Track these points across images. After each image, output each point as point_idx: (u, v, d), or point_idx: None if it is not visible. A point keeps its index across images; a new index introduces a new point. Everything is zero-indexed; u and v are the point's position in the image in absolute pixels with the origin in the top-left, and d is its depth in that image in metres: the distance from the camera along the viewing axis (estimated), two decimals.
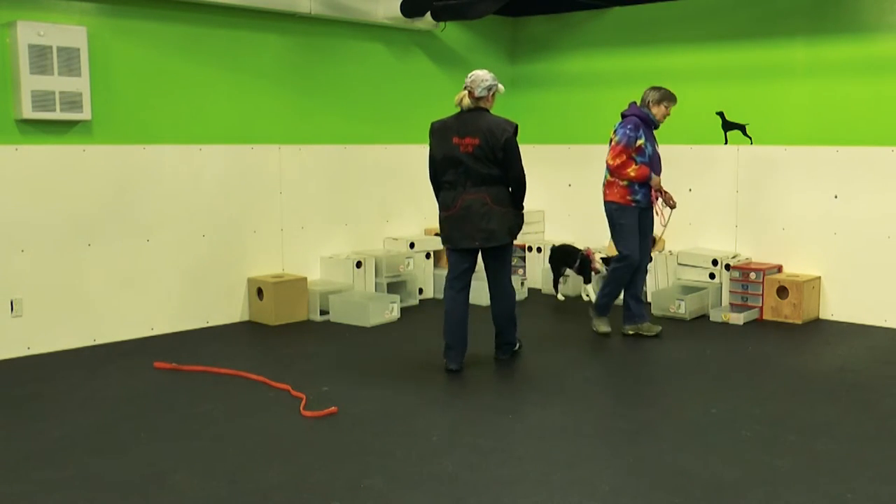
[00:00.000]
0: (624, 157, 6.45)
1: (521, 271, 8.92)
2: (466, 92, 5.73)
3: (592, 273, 7.87)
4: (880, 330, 7.04)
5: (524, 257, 8.96)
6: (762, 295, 7.39)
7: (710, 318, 7.39)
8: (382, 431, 4.69)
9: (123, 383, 5.58)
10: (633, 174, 6.47)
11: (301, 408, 5.00)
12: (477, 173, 5.66)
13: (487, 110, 5.76)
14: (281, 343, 6.67)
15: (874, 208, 7.10)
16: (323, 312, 7.39)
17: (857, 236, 7.20)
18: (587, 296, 7.96)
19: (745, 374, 5.74)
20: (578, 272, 7.97)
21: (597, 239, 8.66)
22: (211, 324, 7.14)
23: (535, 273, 8.87)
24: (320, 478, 4.05)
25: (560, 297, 8.21)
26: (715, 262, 7.64)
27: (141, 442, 4.52)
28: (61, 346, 6.33)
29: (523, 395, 5.39)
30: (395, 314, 7.37)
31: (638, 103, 6.66)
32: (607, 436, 4.65)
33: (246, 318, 7.35)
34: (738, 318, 7.25)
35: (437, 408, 5.13)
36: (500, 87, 5.80)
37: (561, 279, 8.16)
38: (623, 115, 6.64)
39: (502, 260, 5.92)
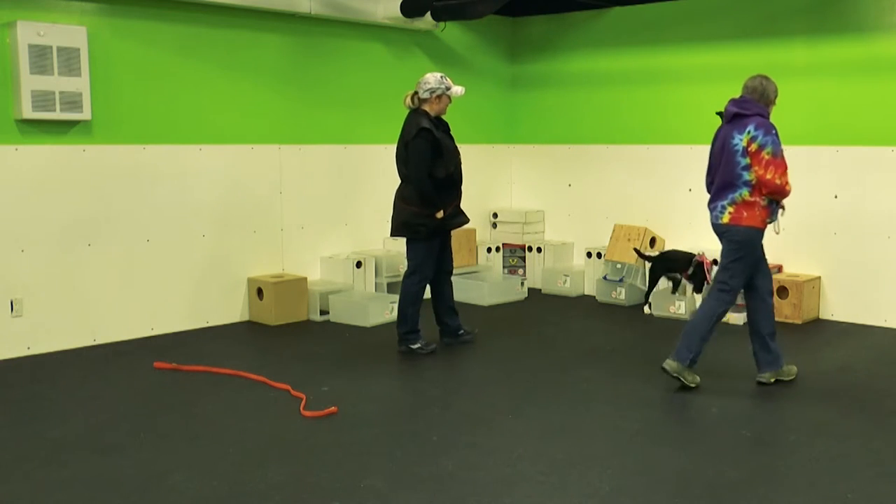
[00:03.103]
0: (784, 171, 5.24)
1: (520, 271, 8.92)
2: (411, 93, 6.10)
3: (705, 283, 7.30)
4: (880, 330, 7.04)
5: (524, 257, 8.97)
6: None
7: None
8: (382, 431, 4.69)
9: (123, 383, 5.58)
10: (789, 189, 5.29)
11: (301, 408, 5.00)
12: (399, 169, 6.17)
13: (424, 112, 6.05)
14: (281, 343, 6.67)
15: (874, 208, 7.10)
16: (323, 312, 7.39)
17: (857, 236, 7.20)
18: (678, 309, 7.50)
19: (745, 375, 5.73)
20: (690, 279, 7.38)
21: (597, 239, 8.67)
22: (211, 324, 7.14)
23: (534, 273, 8.87)
24: (320, 478, 4.05)
25: (647, 310, 7.67)
26: (715, 262, 7.63)
27: (141, 442, 4.52)
28: (61, 346, 6.33)
29: (523, 395, 5.39)
30: (395, 314, 7.36)
31: (738, 98, 5.44)
32: (607, 436, 4.65)
33: (246, 318, 7.35)
34: (738, 318, 7.25)
35: (437, 408, 5.13)
36: (456, 89, 6.04)
37: (665, 285, 7.62)
38: (738, 115, 5.34)
39: (407, 253, 6.29)
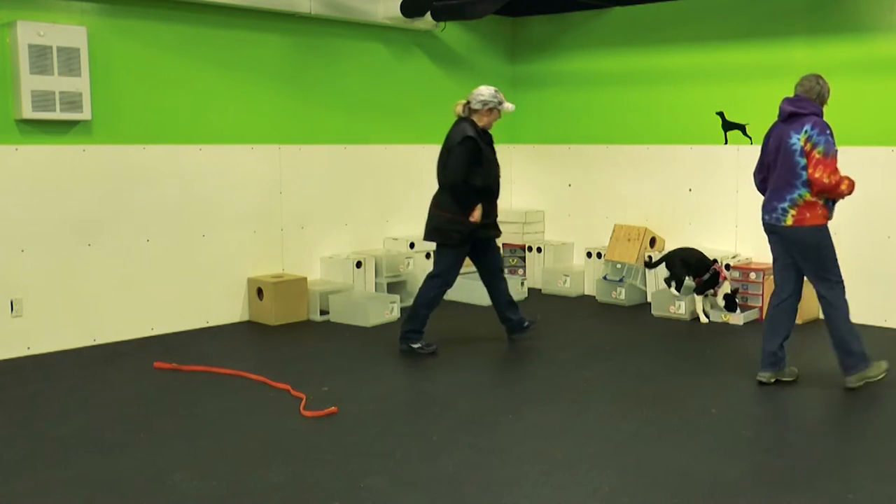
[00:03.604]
0: (837, 169, 5.21)
1: (520, 271, 8.92)
2: (463, 102, 6.18)
3: (710, 294, 7.28)
4: (880, 330, 7.04)
5: (524, 257, 8.96)
6: (762, 295, 7.39)
7: (711, 318, 7.38)
8: (382, 431, 4.69)
9: (123, 383, 5.58)
10: (845, 188, 5.24)
11: (301, 408, 5.00)
12: (439, 175, 6.22)
13: (472, 122, 6.13)
14: (281, 343, 6.67)
15: (874, 208, 7.10)
16: (323, 312, 7.39)
17: (857, 236, 7.19)
18: (706, 315, 7.35)
19: (745, 375, 5.73)
20: (700, 285, 7.26)
21: (597, 239, 8.67)
22: (211, 324, 7.14)
23: (534, 273, 8.87)
24: (320, 478, 4.05)
25: (704, 318, 7.32)
26: (714, 262, 7.62)
27: (141, 442, 4.52)
28: (61, 346, 6.33)
29: (523, 395, 5.39)
30: (395, 314, 7.37)
31: (793, 97, 5.41)
32: (607, 436, 4.65)
33: (246, 318, 7.35)
34: (737, 319, 7.25)
35: (437, 408, 5.13)
36: (507, 105, 6.19)
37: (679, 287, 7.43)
38: (794, 114, 5.32)
39: (435, 257, 6.40)
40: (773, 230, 5.44)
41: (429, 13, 7.93)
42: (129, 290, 6.65)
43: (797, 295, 5.52)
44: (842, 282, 5.39)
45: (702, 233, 8.10)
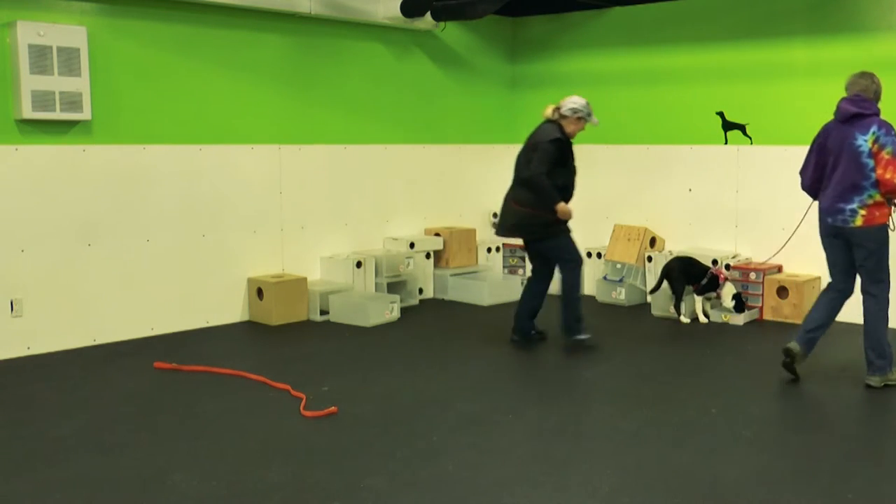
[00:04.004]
0: None
1: (520, 271, 8.92)
2: (554, 107, 6.37)
3: (713, 297, 7.29)
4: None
5: (524, 257, 8.96)
6: (762, 295, 7.39)
7: (711, 319, 7.38)
8: (382, 431, 4.69)
9: (123, 383, 5.58)
10: None
11: (301, 408, 5.00)
12: (517, 172, 6.41)
13: (560, 126, 6.30)
14: (281, 343, 6.68)
15: None
16: (323, 312, 7.39)
17: None
18: (706, 315, 7.34)
19: (745, 374, 5.73)
20: (698, 290, 7.28)
21: (596, 239, 8.66)
22: (211, 324, 7.14)
23: None
24: (320, 478, 4.05)
25: (684, 318, 7.34)
26: (715, 262, 7.63)
27: (141, 442, 4.52)
28: (61, 346, 6.33)
29: (523, 395, 5.39)
30: (395, 314, 7.37)
31: (853, 97, 5.38)
32: (607, 436, 4.65)
33: (246, 318, 7.35)
34: (738, 319, 7.25)
35: (437, 408, 5.13)
36: (594, 119, 6.35)
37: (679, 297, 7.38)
38: (858, 115, 5.30)
39: (544, 252, 6.49)
40: (836, 233, 5.40)
41: (429, 13, 7.93)
42: (129, 290, 6.65)
43: (846, 292, 5.55)
44: (889, 282, 5.40)
45: (702, 233, 8.10)
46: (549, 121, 6.38)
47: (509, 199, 6.42)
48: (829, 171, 5.39)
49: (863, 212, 5.25)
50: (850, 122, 5.29)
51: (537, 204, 6.22)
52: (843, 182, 5.29)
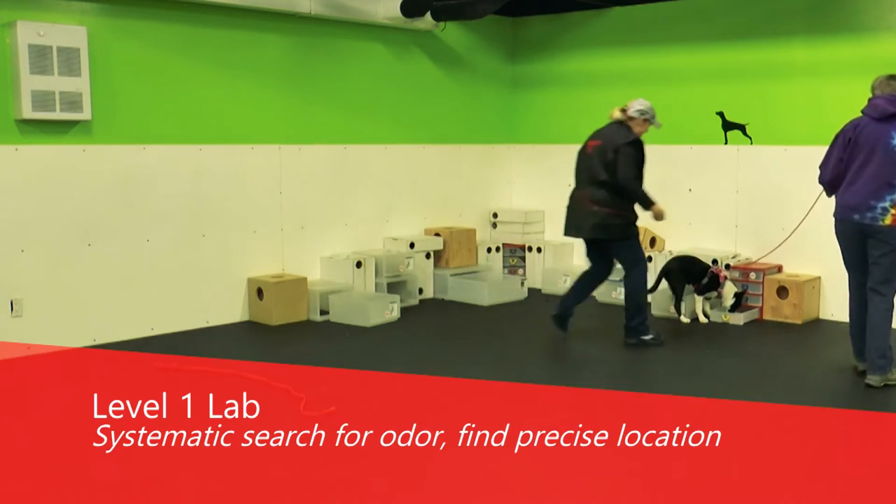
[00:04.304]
0: None
1: (520, 271, 8.92)
2: (621, 108, 6.51)
3: (714, 296, 7.28)
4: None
5: (524, 257, 8.96)
6: (762, 295, 7.39)
7: (711, 319, 7.38)
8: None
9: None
10: None
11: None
12: (591, 174, 6.42)
13: (628, 127, 6.43)
14: (281, 343, 6.67)
15: None
16: (323, 312, 7.38)
17: None
18: (706, 315, 7.34)
19: (745, 374, 5.73)
20: (699, 290, 7.26)
21: None
22: (211, 324, 7.14)
23: (535, 273, 8.86)
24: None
25: (684, 318, 7.32)
26: (715, 262, 7.63)
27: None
28: (61, 346, 6.33)
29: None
30: (395, 314, 7.37)
31: (887, 96, 5.38)
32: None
33: (246, 318, 7.35)
34: (738, 318, 7.25)
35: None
36: (657, 122, 6.49)
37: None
38: (888, 116, 5.32)
39: (613, 253, 6.57)
40: (861, 229, 5.37)
41: (429, 13, 7.93)
42: (129, 290, 6.64)
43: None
44: None
45: (702, 233, 8.10)
46: (619, 122, 6.47)
47: (584, 199, 6.42)
48: (857, 167, 5.34)
49: (893, 210, 5.22)
50: (888, 120, 5.25)
51: (618, 205, 6.34)
52: (877, 179, 5.26)
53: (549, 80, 9.09)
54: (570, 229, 6.60)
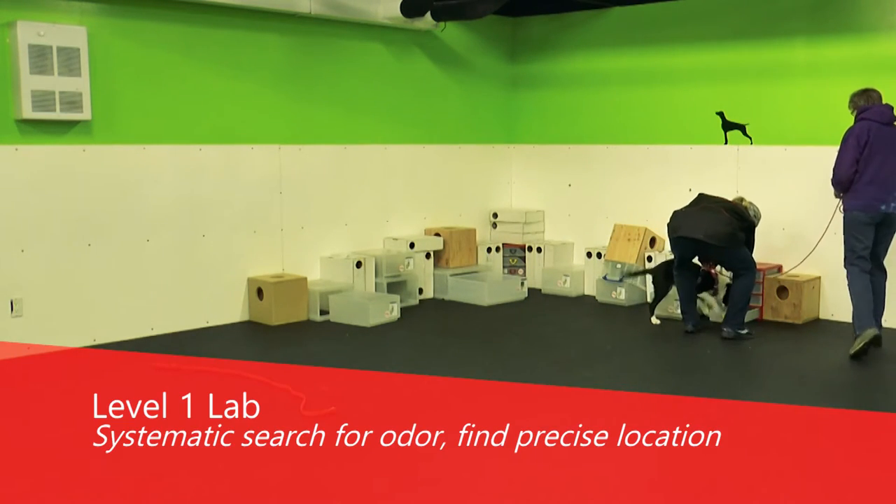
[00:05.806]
0: None
1: (520, 271, 8.92)
2: None
3: (711, 293, 7.27)
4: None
5: (524, 257, 8.96)
6: (762, 295, 7.39)
7: (711, 319, 7.38)
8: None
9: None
10: None
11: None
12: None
13: None
14: (281, 343, 6.68)
15: None
16: (323, 312, 7.39)
17: None
18: (709, 308, 7.29)
19: (745, 374, 5.73)
20: (696, 290, 7.19)
21: (597, 239, 8.67)
22: (211, 324, 7.14)
23: (534, 273, 8.86)
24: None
25: (655, 319, 7.28)
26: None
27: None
28: (61, 346, 6.33)
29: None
30: (395, 314, 7.37)
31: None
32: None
33: (246, 318, 7.35)
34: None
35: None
36: None
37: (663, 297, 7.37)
38: (891, 121, 6.17)
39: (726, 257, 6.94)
40: (882, 219, 6.14)
41: (429, 13, 7.93)
42: (129, 290, 6.64)
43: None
44: None
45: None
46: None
47: (720, 207, 6.79)
48: (876, 165, 6.07)
49: None
50: (891, 124, 6.09)
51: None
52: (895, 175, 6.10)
53: (548, 80, 9.09)
54: (696, 231, 6.68)
